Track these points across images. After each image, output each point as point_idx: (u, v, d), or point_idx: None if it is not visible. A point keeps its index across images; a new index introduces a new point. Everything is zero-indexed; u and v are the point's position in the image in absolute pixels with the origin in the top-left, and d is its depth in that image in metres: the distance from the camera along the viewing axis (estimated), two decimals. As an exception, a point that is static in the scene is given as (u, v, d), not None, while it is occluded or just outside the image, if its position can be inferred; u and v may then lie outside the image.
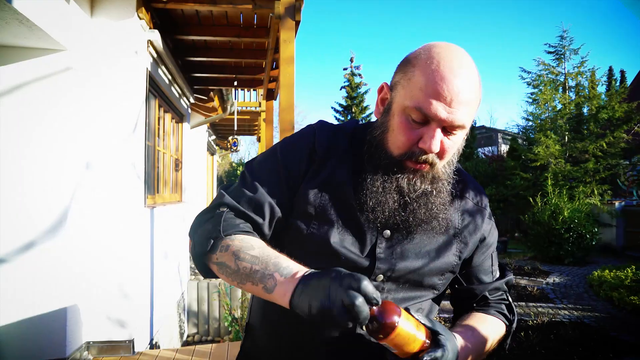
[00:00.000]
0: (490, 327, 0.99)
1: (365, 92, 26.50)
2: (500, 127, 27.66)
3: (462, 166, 1.02)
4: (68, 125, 3.42)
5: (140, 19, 3.87)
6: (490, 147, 24.20)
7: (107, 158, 3.77)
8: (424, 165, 0.86)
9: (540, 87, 13.47)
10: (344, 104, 26.53)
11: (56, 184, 3.43)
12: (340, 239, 0.89)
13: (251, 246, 0.83)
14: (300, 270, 0.77)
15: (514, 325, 1.05)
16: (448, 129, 0.82)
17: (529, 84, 13.96)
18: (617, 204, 11.34)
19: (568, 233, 9.37)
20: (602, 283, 7.17)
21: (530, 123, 14.54)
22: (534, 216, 10.10)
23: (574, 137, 12.98)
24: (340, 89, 26.97)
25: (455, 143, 0.86)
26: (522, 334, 4.96)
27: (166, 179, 5.82)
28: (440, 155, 0.85)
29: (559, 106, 13.38)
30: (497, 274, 1.06)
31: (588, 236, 9.42)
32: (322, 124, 1.01)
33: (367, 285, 0.69)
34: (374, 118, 0.98)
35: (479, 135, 23.63)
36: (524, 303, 6.49)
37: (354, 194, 0.90)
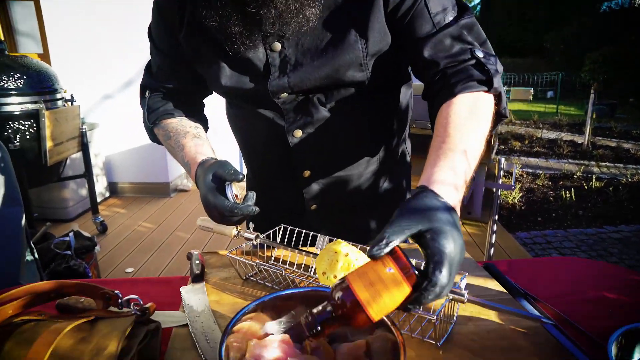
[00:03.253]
0: (464, 115, 0.71)
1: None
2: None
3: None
4: None
5: None
6: None
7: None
8: None
9: None
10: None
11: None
12: (230, 75, 0.87)
13: (167, 134, 0.96)
14: (197, 157, 0.87)
15: (496, 80, 0.75)
16: None
17: None
18: None
19: (695, 95, 8.10)
20: None
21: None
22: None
23: None
24: None
25: None
26: (611, 188, 4.70)
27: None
28: None
29: None
30: (449, 19, 0.79)
31: None
32: None
33: (222, 205, 0.75)
34: None
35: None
36: (621, 165, 6.03)
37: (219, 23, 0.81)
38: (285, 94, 0.87)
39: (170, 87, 0.99)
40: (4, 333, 0.63)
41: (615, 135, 7.93)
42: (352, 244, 0.81)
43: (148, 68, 1.03)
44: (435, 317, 0.63)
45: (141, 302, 0.69)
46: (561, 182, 5.08)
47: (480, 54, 0.77)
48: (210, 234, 3.20)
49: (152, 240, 3.45)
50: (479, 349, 0.68)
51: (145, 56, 1.01)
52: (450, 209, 0.57)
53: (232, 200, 0.77)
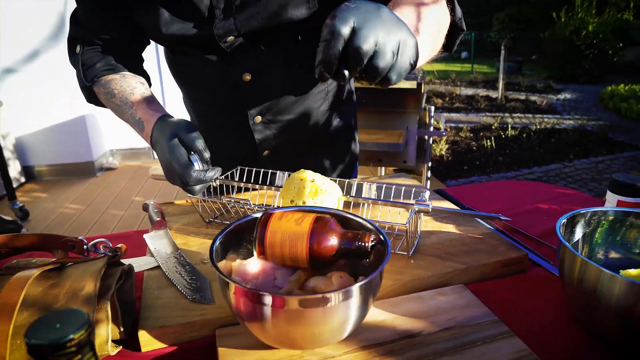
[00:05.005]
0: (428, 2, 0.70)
1: None
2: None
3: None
4: None
5: None
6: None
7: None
8: None
9: None
10: None
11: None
12: (171, 22, 0.81)
13: (111, 92, 0.88)
14: (154, 114, 0.81)
15: None
16: None
17: None
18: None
19: (589, 50, 8.94)
20: (614, 96, 7.10)
21: None
22: (554, 34, 9.55)
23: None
24: None
25: None
26: (525, 135, 5.14)
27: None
28: None
29: None
30: None
31: (610, 52, 9.00)
32: None
33: (189, 175, 0.72)
34: None
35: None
36: (530, 115, 6.57)
37: None
38: (231, 37, 0.84)
39: (107, 39, 0.90)
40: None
41: (523, 89, 8.59)
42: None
43: (75, 17, 0.92)
44: (407, 224, 0.67)
45: (110, 245, 0.66)
46: (482, 134, 5.44)
47: None
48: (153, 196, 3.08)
49: (83, 220, 3.25)
50: (445, 255, 0.74)
51: (53, 21, 0.90)
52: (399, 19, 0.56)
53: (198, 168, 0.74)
